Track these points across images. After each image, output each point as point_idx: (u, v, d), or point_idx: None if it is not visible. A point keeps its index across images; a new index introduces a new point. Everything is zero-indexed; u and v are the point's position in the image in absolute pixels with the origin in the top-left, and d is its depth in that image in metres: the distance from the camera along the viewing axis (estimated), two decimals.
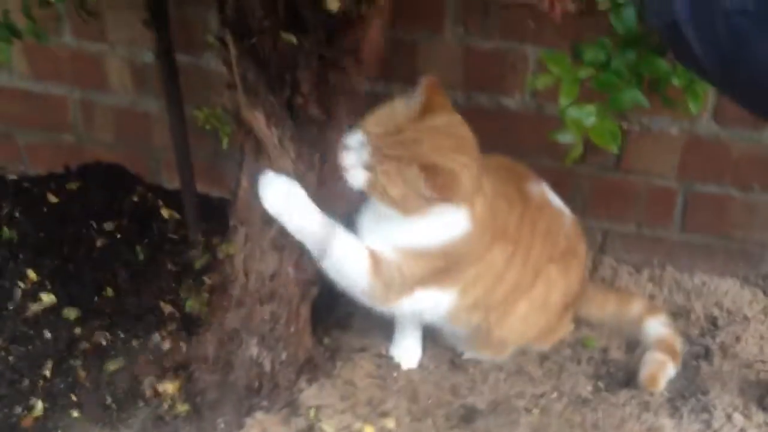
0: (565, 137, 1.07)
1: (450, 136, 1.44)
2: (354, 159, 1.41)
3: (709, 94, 1.81)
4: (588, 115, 1.05)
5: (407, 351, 1.77)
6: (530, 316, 1.72)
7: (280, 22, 1.46)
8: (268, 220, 1.53)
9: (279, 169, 1.50)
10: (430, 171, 1.37)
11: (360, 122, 1.43)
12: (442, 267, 1.54)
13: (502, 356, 1.78)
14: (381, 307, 1.61)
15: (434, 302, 1.61)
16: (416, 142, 1.39)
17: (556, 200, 1.76)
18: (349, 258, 1.52)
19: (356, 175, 1.41)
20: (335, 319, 1.87)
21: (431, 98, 1.41)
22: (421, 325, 1.77)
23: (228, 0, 1.44)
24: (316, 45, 1.48)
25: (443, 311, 1.63)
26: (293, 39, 1.44)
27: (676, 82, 1.10)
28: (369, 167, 1.40)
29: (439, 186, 1.37)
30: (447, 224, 1.49)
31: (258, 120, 1.45)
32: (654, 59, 1.10)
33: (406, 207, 1.43)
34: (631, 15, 1.08)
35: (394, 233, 1.51)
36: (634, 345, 1.86)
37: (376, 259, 1.51)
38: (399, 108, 1.43)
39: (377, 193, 1.42)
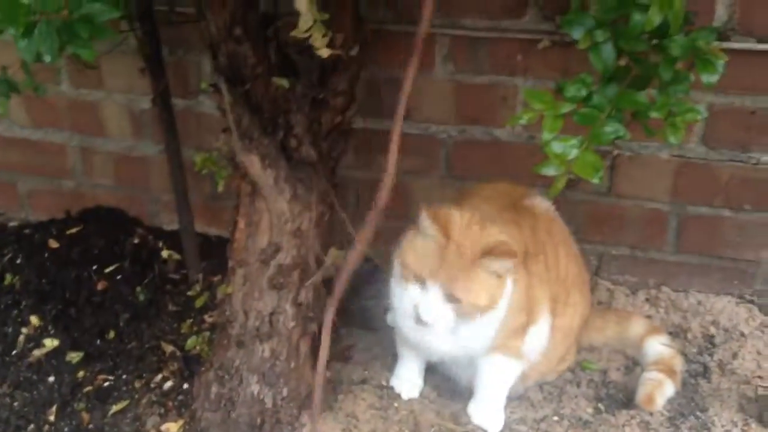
0: (549, 170, 1.10)
1: (470, 226, 1.49)
2: (432, 307, 1.46)
3: (698, 120, 1.86)
4: (570, 148, 1.09)
5: (408, 382, 1.78)
6: (559, 344, 1.75)
7: (272, 68, 1.51)
8: (266, 260, 1.56)
9: (275, 210, 1.53)
10: (491, 253, 1.44)
11: (403, 280, 1.51)
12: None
13: (522, 389, 1.79)
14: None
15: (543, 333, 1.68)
16: (461, 253, 1.45)
17: (560, 219, 1.81)
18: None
19: (443, 318, 1.47)
20: (335, 352, 1.88)
21: (440, 221, 1.47)
22: (423, 362, 1.78)
23: (221, 47, 1.48)
24: (308, 88, 1.53)
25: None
26: (285, 83, 1.49)
27: (654, 115, 1.13)
28: (447, 301, 1.46)
29: (506, 254, 1.45)
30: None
31: (253, 162, 1.48)
32: (633, 94, 1.13)
33: (495, 298, 1.50)
34: (610, 52, 1.12)
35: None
36: (634, 366, 1.88)
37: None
38: (425, 243, 1.49)
39: (469, 315, 1.48)
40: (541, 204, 1.77)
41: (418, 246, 1.50)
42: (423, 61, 1.91)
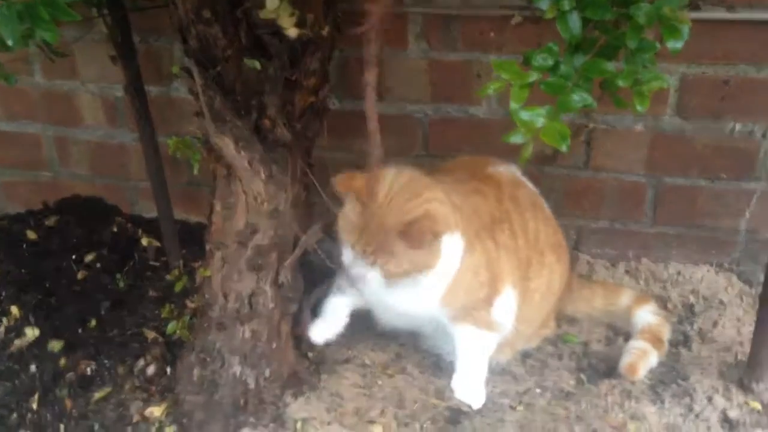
0: (517, 138, 1.10)
1: (397, 194, 1.51)
2: (360, 270, 1.50)
3: (670, 89, 1.87)
4: (538, 116, 1.09)
5: (326, 322, 1.74)
6: (541, 305, 1.77)
7: (243, 49, 1.50)
8: (243, 242, 1.56)
9: (251, 192, 1.53)
10: (408, 232, 1.46)
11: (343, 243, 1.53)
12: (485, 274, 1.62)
13: (509, 356, 1.82)
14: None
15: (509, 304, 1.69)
16: (381, 223, 1.47)
17: (529, 183, 1.82)
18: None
19: (372, 280, 1.51)
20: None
21: (355, 189, 1.50)
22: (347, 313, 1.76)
23: (190, 30, 1.47)
24: (280, 69, 1.52)
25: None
26: (257, 64, 1.48)
27: (621, 83, 1.13)
28: (373, 267, 1.49)
29: (425, 232, 1.46)
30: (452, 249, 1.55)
31: (227, 145, 1.48)
32: (600, 62, 1.14)
33: (426, 265, 1.51)
34: (576, 21, 1.12)
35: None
36: (615, 337, 1.91)
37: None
38: (350, 212, 1.51)
39: (397, 278, 1.51)
40: (505, 171, 1.78)
41: (346, 211, 1.52)
42: (396, 40, 1.94)
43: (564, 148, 1.08)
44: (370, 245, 1.48)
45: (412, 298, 1.59)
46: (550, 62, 1.13)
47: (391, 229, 1.46)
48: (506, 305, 1.68)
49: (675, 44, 1.14)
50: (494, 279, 1.64)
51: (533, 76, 1.11)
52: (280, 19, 1.28)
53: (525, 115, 1.09)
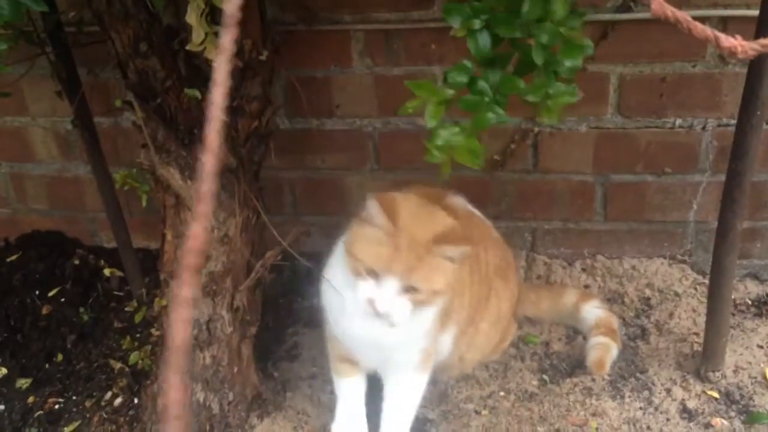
0: (434, 159, 1.13)
1: (420, 211, 1.46)
2: (388, 299, 1.38)
3: (610, 89, 1.91)
4: (455, 135, 1.12)
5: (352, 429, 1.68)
6: (490, 332, 1.79)
7: (182, 79, 1.52)
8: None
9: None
10: (444, 239, 1.40)
11: (360, 274, 1.40)
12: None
13: (456, 375, 1.84)
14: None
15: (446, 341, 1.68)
16: (414, 241, 1.38)
17: (476, 211, 1.84)
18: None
19: (400, 309, 1.40)
20: (283, 351, 1.91)
21: (389, 209, 1.40)
22: (363, 399, 1.69)
23: (129, 64, 1.49)
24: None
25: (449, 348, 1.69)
26: (197, 93, 1.50)
27: (530, 98, 1.15)
28: (404, 292, 1.39)
29: (461, 239, 1.43)
30: None
31: (173, 175, 1.50)
32: (513, 79, 1.16)
33: (450, 286, 1.46)
34: (486, 39, 1.15)
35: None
36: (575, 335, 1.94)
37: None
38: (374, 234, 1.40)
39: (427, 303, 1.43)
40: (458, 202, 1.75)
41: (367, 237, 1.41)
42: (341, 59, 1.96)
43: (477, 166, 1.11)
44: (408, 262, 1.37)
45: (400, 336, 1.51)
46: (465, 79, 1.16)
47: (426, 243, 1.38)
48: (445, 342, 1.67)
49: (573, 63, 1.15)
50: (446, 318, 1.60)
51: (447, 94, 1.14)
52: (207, 52, 1.30)
53: (443, 133, 1.12)
